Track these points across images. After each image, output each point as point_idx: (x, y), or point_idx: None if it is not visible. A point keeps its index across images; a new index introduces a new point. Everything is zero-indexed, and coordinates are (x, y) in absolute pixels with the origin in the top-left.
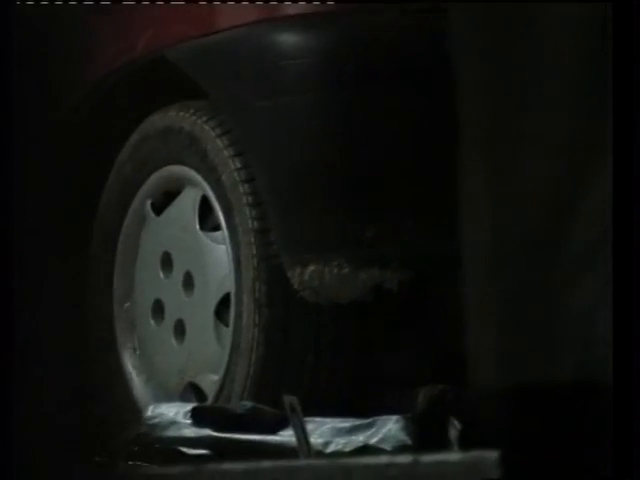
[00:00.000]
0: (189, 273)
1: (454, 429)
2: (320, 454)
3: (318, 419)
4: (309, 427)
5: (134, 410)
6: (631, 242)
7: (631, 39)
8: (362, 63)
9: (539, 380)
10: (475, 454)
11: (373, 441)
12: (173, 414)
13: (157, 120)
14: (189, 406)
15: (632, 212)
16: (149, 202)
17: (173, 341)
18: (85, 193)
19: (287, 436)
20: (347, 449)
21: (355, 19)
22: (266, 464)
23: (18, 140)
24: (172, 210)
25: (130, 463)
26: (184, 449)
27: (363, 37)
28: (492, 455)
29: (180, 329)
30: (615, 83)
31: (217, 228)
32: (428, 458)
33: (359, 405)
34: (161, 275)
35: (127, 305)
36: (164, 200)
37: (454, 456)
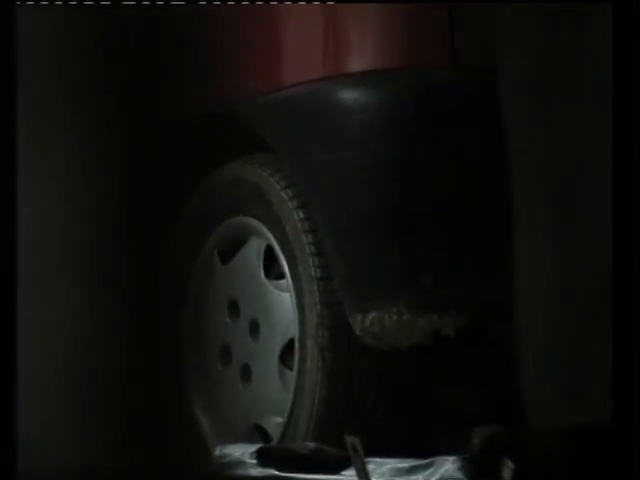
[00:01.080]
0: (255, 320)
1: (508, 469)
2: None
3: (378, 459)
4: (370, 467)
5: (203, 450)
6: (631, 242)
7: (631, 39)
8: (418, 116)
9: (592, 421)
10: None
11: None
12: (239, 454)
13: (225, 172)
14: (255, 447)
15: (632, 212)
16: (216, 251)
17: (239, 385)
18: (155, 240)
19: (349, 476)
20: None
21: (410, 75)
22: None
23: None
24: (238, 259)
25: None
26: None
27: (418, 91)
28: None
29: (246, 373)
30: (615, 83)
31: (281, 276)
32: None
33: (418, 446)
34: (228, 321)
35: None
36: (231, 249)
37: None
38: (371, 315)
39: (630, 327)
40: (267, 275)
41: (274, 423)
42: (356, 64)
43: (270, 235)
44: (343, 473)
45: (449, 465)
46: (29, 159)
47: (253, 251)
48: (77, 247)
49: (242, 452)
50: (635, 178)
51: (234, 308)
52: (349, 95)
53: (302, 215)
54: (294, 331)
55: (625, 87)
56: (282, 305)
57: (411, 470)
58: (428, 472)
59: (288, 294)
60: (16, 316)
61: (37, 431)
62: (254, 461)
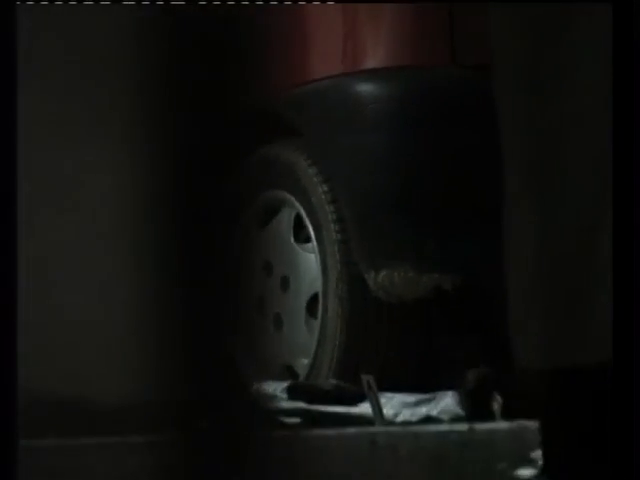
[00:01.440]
0: (285, 276)
1: (497, 403)
2: (392, 423)
3: (389, 394)
4: (382, 401)
5: (242, 386)
6: (631, 241)
7: (631, 39)
8: (423, 107)
9: (570, 363)
10: (519, 423)
11: (434, 412)
12: (272, 390)
13: (262, 153)
14: (285, 384)
15: (632, 212)
16: (254, 219)
17: (272, 331)
18: (204, 209)
19: (365, 408)
20: (413, 419)
21: (417, 72)
22: (349, 430)
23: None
24: (272, 226)
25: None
26: (282, 418)
27: (424, 86)
28: (533, 424)
29: (278, 321)
30: (615, 83)
31: (308, 240)
32: (480, 427)
33: (423, 383)
34: (263, 277)
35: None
36: (266, 217)
37: (502, 425)
38: (382, 273)
39: (630, 327)
40: (296, 239)
41: (301, 364)
42: (371, 61)
43: (299, 205)
44: (360, 405)
45: (448, 399)
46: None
47: (284, 219)
48: (133, 212)
49: (275, 388)
50: (635, 178)
51: (268, 267)
52: (365, 88)
53: (325, 188)
54: (318, 286)
55: (625, 87)
56: (308, 264)
57: (417, 403)
58: (431, 404)
59: (313, 255)
60: (16, 315)
61: (101, 369)
62: (285, 395)
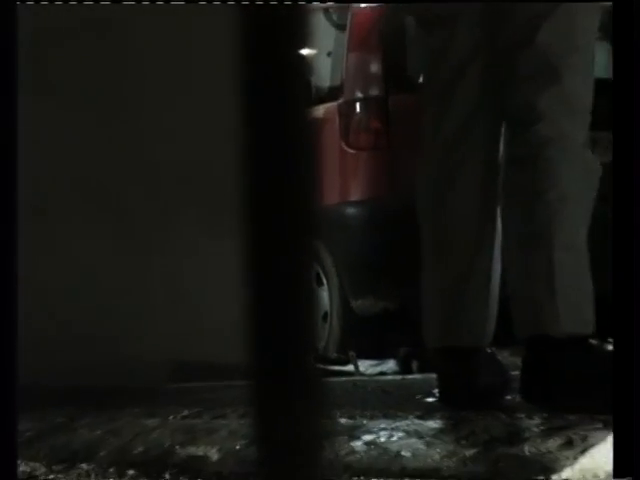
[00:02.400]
0: (319, 275)
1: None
2: (363, 374)
3: (363, 360)
4: (359, 363)
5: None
6: (631, 241)
7: (631, 38)
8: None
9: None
10: (427, 375)
11: (385, 369)
12: None
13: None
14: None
15: (632, 212)
16: None
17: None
18: None
19: (350, 367)
20: (375, 373)
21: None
22: (342, 379)
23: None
24: None
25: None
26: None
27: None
28: (434, 376)
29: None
30: (615, 82)
31: (322, 284)
32: (407, 377)
33: (379, 355)
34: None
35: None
36: None
37: (418, 376)
38: (358, 301)
39: (630, 327)
40: (317, 283)
41: (320, 345)
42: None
43: (319, 268)
44: (348, 366)
45: (392, 363)
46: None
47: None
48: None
49: None
50: (635, 178)
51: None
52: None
53: (331, 260)
54: (327, 307)
55: (625, 87)
56: (322, 297)
57: (377, 365)
58: (383, 365)
59: (325, 292)
60: (17, 314)
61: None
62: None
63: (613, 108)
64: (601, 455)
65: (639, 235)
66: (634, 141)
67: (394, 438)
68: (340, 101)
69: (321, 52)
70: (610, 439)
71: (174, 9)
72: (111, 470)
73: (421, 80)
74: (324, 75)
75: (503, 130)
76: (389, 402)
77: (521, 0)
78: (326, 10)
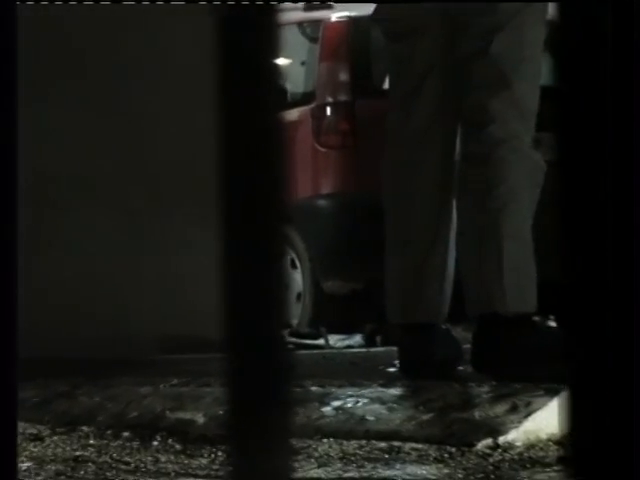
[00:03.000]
0: (287, 284)
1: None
2: (332, 348)
3: (332, 335)
4: (329, 337)
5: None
6: (631, 241)
7: (631, 39)
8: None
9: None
10: (389, 348)
11: (352, 343)
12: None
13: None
14: (288, 330)
15: (632, 212)
16: None
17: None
18: None
19: (321, 341)
20: (343, 346)
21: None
22: (314, 352)
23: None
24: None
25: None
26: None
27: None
28: (395, 349)
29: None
30: (615, 82)
31: (297, 267)
32: (372, 349)
33: (346, 330)
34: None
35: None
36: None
37: (381, 349)
38: (328, 282)
39: (630, 327)
40: (292, 267)
41: (294, 322)
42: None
43: (293, 254)
44: (319, 340)
45: (358, 337)
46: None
47: (287, 259)
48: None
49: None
50: (635, 178)
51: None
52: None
53: (304, 245)
54: (301, 289)
55: (625, 87)
56: (296, 279)
57: (343, 339)
58: (350, 340)
59: (300, 275)
60: (16, 313)
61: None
62: (287, 335)
63: (613, 108)
64: (542, 418)
65: (639, 235)
66: (634, 141)
67: (359, 404)
68: (312, 105)
69: (295, 62)
70: (551, 404)
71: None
72: (108, 432)
73: (386, 86)
74: (298, 82)
75: (459, 131)
76: (355, 372)
77: (522, 0)
78: (300, 24)
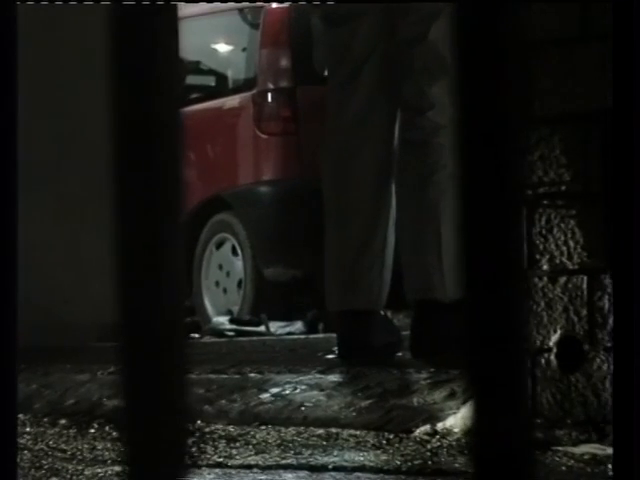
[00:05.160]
0: (228, 271)
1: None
2: (272, 334)
3: (274, 322)
4: (269, 324)
5: (208, 318)
6: (631, 241)
7: (631, 39)
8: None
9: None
10: (329, 335)
11: (293, 330)
12: (222, 320)
13: (217, 217)
14: (228, 317)
15: (632, 212)
16: (214, 246)
17: (222, 294)
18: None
19: (262, 328)
20: (284, 333)
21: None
22: (254, 338)
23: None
24: (223, 248)
25: (207, 337)
26: (226, 332)
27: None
28: (334, 335)
29: (225, 290)
30: (615, 82)
31: (238, 254)
32: (311, 336)
33: (289, 317)
34: (218, 272)
35: (207, 282)
36: (219, 245)
37: (321, 335)
38: (269, 269)
39: (630, 327)
40: (233, 254)
41: (235, 309)
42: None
43: (234, 240)
44: (260, 327)
45: (299, 324)
46: None
47: (228, 246)
48: None
49: (224, 320)
50: (635, 176)
51: (221, 266)
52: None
53: (245, 232)
54: (242, 275)
55: (625, 86)
56: (238, 265)
57: (285, 326)
58: (292, 326)
59: (240, 261)
60: (16, 313)
61: None
62: (228, 322)
63: (613, 108)
64: None
65: (639, 234)
66: (634, 141)
67: (298, 391)
68: (254, 92)
69: (237, 48)
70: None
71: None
72: (45, 420)
73: (326, 73)
74: (240, 68)
75: (399, 116)
76: (294, 359)
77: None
78: (241, 10)
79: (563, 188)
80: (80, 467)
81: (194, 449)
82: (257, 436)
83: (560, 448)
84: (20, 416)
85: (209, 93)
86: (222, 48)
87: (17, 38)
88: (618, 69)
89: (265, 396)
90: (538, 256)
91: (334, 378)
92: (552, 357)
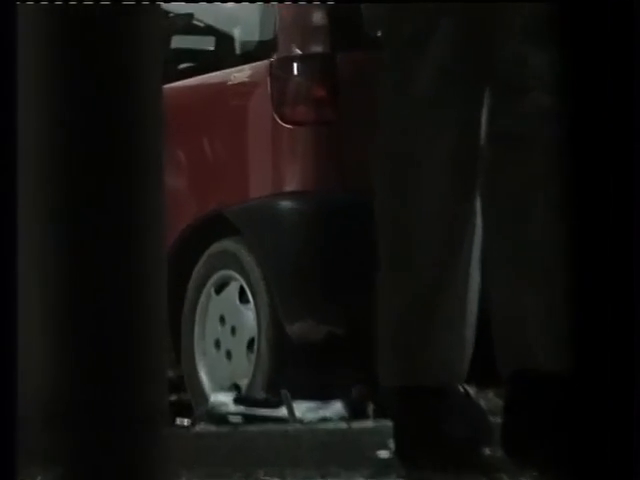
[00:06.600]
0: (234, 326)
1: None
2: (301, 421)
3: (300, 402)
4: (295, 406)
5: (204, 396)
6: (631, 241)
7: (631, 39)
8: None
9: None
10: (381, 422)
11: (328, 414)
12: (225, 399)
13: (217, 246)
14: (233, 395)
15: (632, 211)
16: (212, 289)
17: (225, 361)
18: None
19: (282, 411)
20: (315, 419)
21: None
22: (271, 427)
23: None
24: (225, 292)
25: (202, 425)
26: (230, 417)
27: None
28: (389, 423)
29: (229, 355)
30: (615, 83)
31: (248, 302)
32: (356, 424)
33: (322, 395)
34: (219, 327)
35: (202, 342)
36: (221, 287)
37: (369, 424)
38: (296, 324)
39: (631, 327)
40: (241, 301)
41: (244, 382)
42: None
43: (243, 281)
44: (279, 409)
45: (338, 405)
46: None
47: (233, 289)
48: None
49: (227, 399)
50: (635, 178)
51: (222, 319)
52: (286, 205)
53: (259, 270)
54: (254, 332)
55: (625, 87)
56: (248, 318)
57: (315, 409)
58: (325, 408)
59: (251, 312)
60: (17, 314)
61: None
62: (232, 403)
63: (613, 108)
64: None
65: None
66: (634, 141)
67: None
68: (272, 59)
69: None
70: None
71: None
72: None
73: (380, 33)
74: (251, 26)
75: (487, 100)
76: (331, 458)
77: (522, 0)
78: None
79: None
80: None
81: None
82: None
83: None
84: None
85: (205, 62)
86: None
87: (17, 38)
88: (618, 69)
89: None
90: None
91: None
92: None
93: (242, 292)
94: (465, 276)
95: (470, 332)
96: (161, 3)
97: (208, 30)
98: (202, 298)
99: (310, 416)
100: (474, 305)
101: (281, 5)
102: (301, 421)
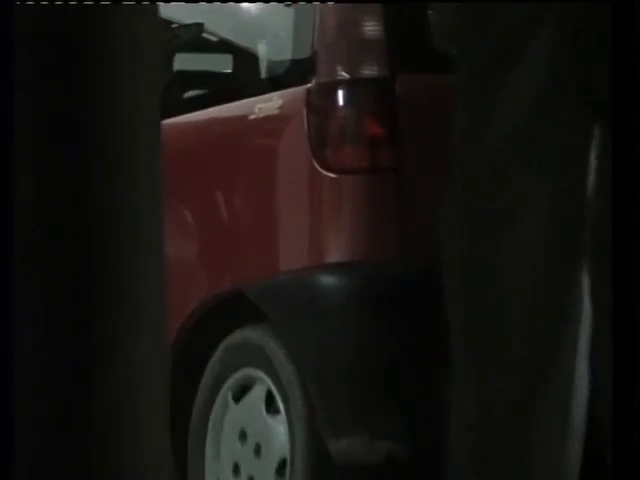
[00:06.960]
0: (258, 444)
1: None
2: None
3: None
4: None
5: None
6: (631, 241)
7: (631, 39)
8: (375, 296)
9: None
10: None
11: None
12: None
13: (235, 336)
14: None
15: (632, 211)
16: (230, 394)
17: None
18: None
19: None
20: None
21: (371, 266)
22: None
23: None
24: (247, 399)
25: None
26: None
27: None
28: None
29: None
30: (615, 84)
31: (278, 412)
32: None
33: None
34: (239, 445)
35: (216, 465)
36: (241, 391)
37: None
38: (343, 441)
39: (631, 327)
40: (267, 411)
41: None
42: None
43: (270, 382)
44: None
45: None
46: None
47: (258, 394)
48: None
49: None
50: (635, 178)
51: (243, 435)
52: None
53: (293, 367)
54: (287, 452)
55: (625, 87)
56: (278, 433)
57: None
58: None
59: (282, 425)
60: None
61: None
62: None
63: (613, 108)
64: None
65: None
66: (634, 141)
67: None
68: (310, 85)
69: (276, 4)
70: None
71: None
72: None
73: (455, 53)
74: (281, 39)
75: (597, 134)
76: None
77: (515, 0)
78: None
79: None
80: None
81: None
82: None
83: None
84: None
85: (220, 89)
86: (248, 5)
87: (16, 38)
88: (618, 69)
89: None
90: None
91: None
92: None
93: (270, 398)
94: (569, 375)
95: (576, 449)
96: (161, 9)
97: (224, 46)
98: (216, 406)
99: None
100: (582, 411)
101: (323, 11)
102: None
